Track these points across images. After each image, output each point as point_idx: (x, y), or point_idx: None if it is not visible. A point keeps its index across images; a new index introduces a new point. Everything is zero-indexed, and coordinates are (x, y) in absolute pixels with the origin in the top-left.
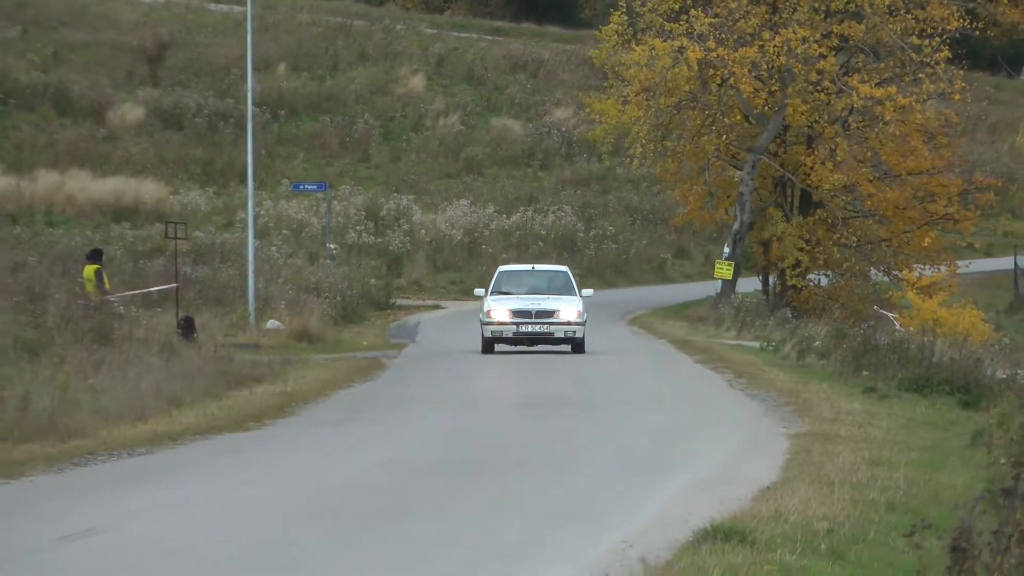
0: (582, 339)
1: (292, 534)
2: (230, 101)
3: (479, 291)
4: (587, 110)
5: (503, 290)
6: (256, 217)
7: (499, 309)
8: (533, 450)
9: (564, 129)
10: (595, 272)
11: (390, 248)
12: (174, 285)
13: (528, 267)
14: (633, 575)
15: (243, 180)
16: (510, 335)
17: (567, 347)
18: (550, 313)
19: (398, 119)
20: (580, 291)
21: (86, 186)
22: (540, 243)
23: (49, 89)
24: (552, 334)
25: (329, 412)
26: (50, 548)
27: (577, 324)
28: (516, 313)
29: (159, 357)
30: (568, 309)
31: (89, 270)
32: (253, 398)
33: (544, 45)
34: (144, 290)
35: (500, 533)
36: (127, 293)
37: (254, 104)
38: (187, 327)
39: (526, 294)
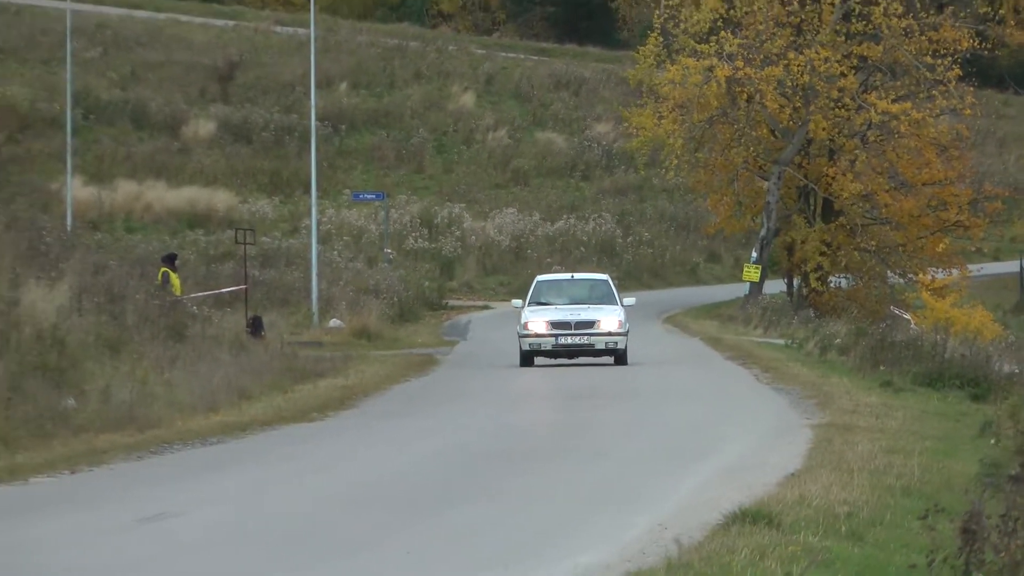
0: (624, 350)
1: (352, 518)
2: (294, 116)
3: (517, 302)
4: (625, 124)
5: (542, 300)
6: (319, 224)
7: (537, 321)
8: (572, 439)
9: (604, 142)
10: (632, 275)
11: (443, 252)
12: (243, 287)
13: (567, 276)
14: (668, 555)
15: (307, 190)
16: (549, 347)
17: (609, 359)
18: (590, 324)
19: (450, 133)
20: (621, 300)
21: (162, 195)
22: (582, 248)
23: (128, 105)
24: (593, 346)
25: (387, 405)
26: (128, 529)
27: (619, 335)
28: (555, 324)
29: (229, 353)
30: (609, 319)
31: (173, 276)
32: (316, 391)
33: (585, 65)
34: (216, 291)
35: (542, 516)
36: (200, 294)
37: (317, 119)
38: (255, 326)
39: (566, 304)
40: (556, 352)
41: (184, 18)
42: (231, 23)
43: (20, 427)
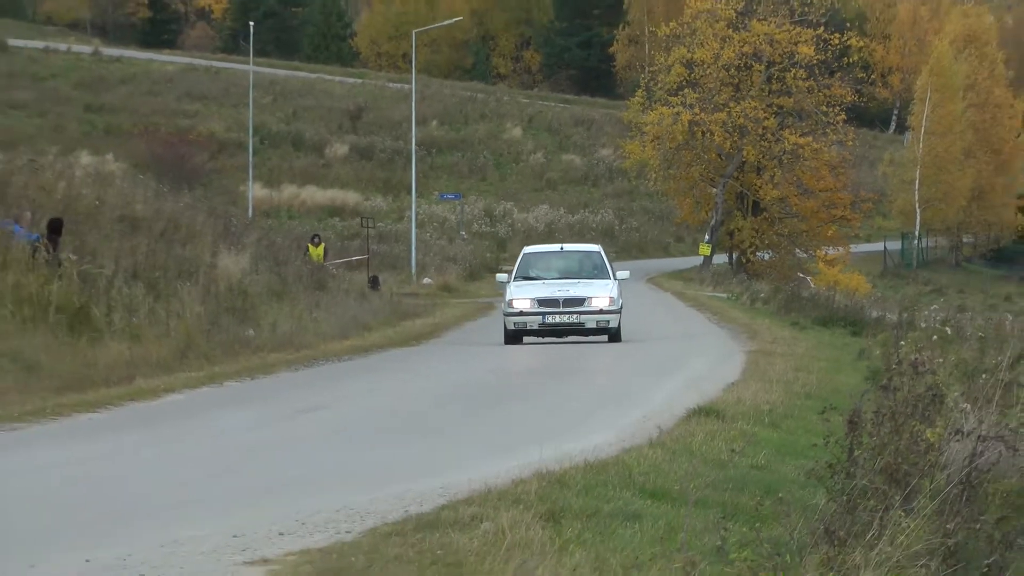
0: (617, 328)
1: (437, 411)
2: (400, 142)
3: (502, 276)
4: (621, 150)
5: (529, 274)
6: (416, 214)
7: (522, 297)
8: (583, 362)
9: (606, 162)
10: (625, 250)
11: (498, 234)
12: (366, 256)
13: (556, 247)
14: (650, 436)
15: (409, 192)
16: (535, 327)
17: (603, 337)
18: (580, 301)
19: (504, 155)
20: (614, 272)
21: (312, 195)
22: (592, 232)
23: (289, 134)
24: (583, 324)
25: (461, 336)
26: (291, 418)
27: (611, 312)
28: (541, 302)
29: (356, 300)
30: (600, 296)
31: (316, 249)
32: (414, 326)
33: (595, 110)
34: (347, 259)
35: (565, 412)
36: (337, 261)
37: (416, 145)
38: (374, 282)
39: (555, 279)
40: (543, 331)
41: (328, 76)
42: (359, 80)
43: (217, 348)
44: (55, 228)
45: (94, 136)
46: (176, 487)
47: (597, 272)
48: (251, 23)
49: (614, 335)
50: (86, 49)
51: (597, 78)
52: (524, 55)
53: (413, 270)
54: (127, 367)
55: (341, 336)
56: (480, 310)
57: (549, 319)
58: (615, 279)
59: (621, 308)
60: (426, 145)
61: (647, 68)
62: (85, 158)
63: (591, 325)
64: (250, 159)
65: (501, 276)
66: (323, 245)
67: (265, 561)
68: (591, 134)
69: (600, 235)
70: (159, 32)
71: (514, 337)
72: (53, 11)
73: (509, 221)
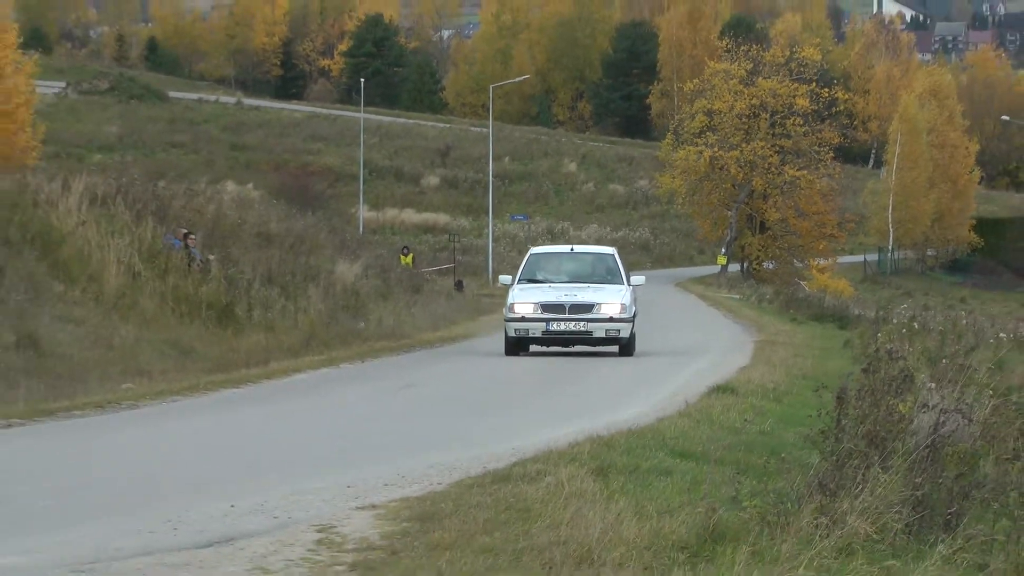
0: (629, 338)
1: (508, 388)
2: (480, 175)
3: (505, 278)
4: (655, 181)
5: (536, 277)
6: (492, 232)
7: (525, 302)
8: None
9: (644, 190)
10: (659, 260)
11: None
12: (452, 265)
13: (566, 248)
14: (679, 409)
15: (487, 213)
16: (538, 334)
17: (613, 348)
18: (588, 307)
19: (563, 184)
20: (629, 277)
21: (410, 216)
22: (631, 245)
23: (392, 168)
24: (591, 333)
25: None
26: (393, 393)
27: (621, 321)
28: (546, 307)
29: (445, 300)
30: (610, 303)
31: (406, 258)
32: (491, 320)
33: (634, 149)
34: (438, 267)
35: (611, 388)
36: (429, 269)
37: (492, 176)
38: (459, 285)
39: (563, 283)
40: (546, 339)
41: (422, 122)
42: (447, 125)
43: (334, 338)
44: (187, 238)
45: (237, 169)
46: (302, 448)
47: (610, 277)
48: (362, 79)
49: (626, 346)
50: (231, 100)
51: (636, 124)
52: (578, 105)
53: (490, 276)
54: (263, 352)
55: (432, 328)
56: None
57: (553, 326)
58: (629, 285)
59: (635, 316)
60: (500, 176)
61: (676, 116)
62: (230, 187)
63: (599, 334)
64: (360, 188)
65: (504, 278)
66: (412, 255)
67: (373, 507)
68: (631, 168)
69: (638, 248)
70: (289, 87)
71: (516, 345)
72: (205, 69)
73: (566, 237)
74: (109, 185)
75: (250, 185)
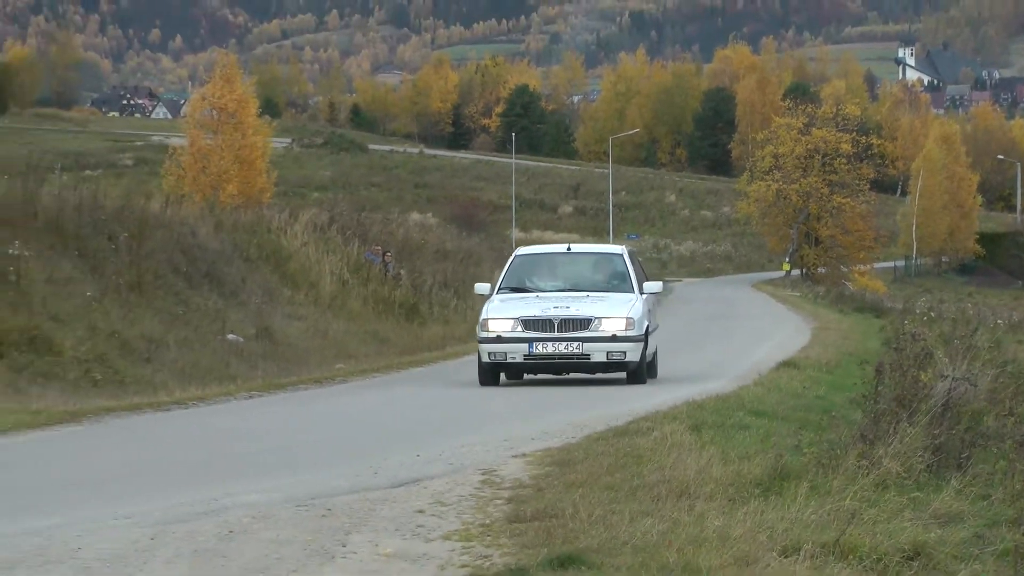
0: (639, 363)
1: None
2: (603, 204)
3: (482, 286)
4: (735, 207)
5: (522, 285)
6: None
7: (501, 317)
8: (713, 335)
9: (727, 214)
10: (739, 267)
11: (662, 259)
12: None
13: (561, 248)
14: (754, 379)
15: (608, 233)
16: (518, 358)
17: (620, 373)
18: (583, 323)
19: (665, 211)
20: (641, 284)
21: (551, 237)
22: (717, 256)
23: (536, 200)
24: (588, 357)
25: None
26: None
27: (628, 340)
28: (528, 323)
29: None
30: (614, 317)
31: None
32: None
33: (719, 183)
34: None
35: (703, 362)
36: None
37: (612, 205)
38: None
39: (556, 292)
40: (530, 366)
41: (559, 165)
42: (578, 167)
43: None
44: (384, 255)
45: (420, 202)
46: (470, 410)
47: (617, 283)
48: (513, 133)
49: (635, 372)
50: (415, 150)
51: (720, 164)
52: (676, 151)
53: None
54: (441, 340)
55: None
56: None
57: (538, 348)
58: (641, 293)
59: (648, 334)
60: (618, 206)
61: (750, 158)
62: (415, 216)
63: (598, 357)
64: (512, 215)
65: (481, 287)
66: None
67: (524, 455)
68: (717, 198)
69: (723, 258)
70: (458, 140)
71: (491, 373)
72: (395, 128)
73: (668, 251)
74: (324, 216)
75: (430, 214)
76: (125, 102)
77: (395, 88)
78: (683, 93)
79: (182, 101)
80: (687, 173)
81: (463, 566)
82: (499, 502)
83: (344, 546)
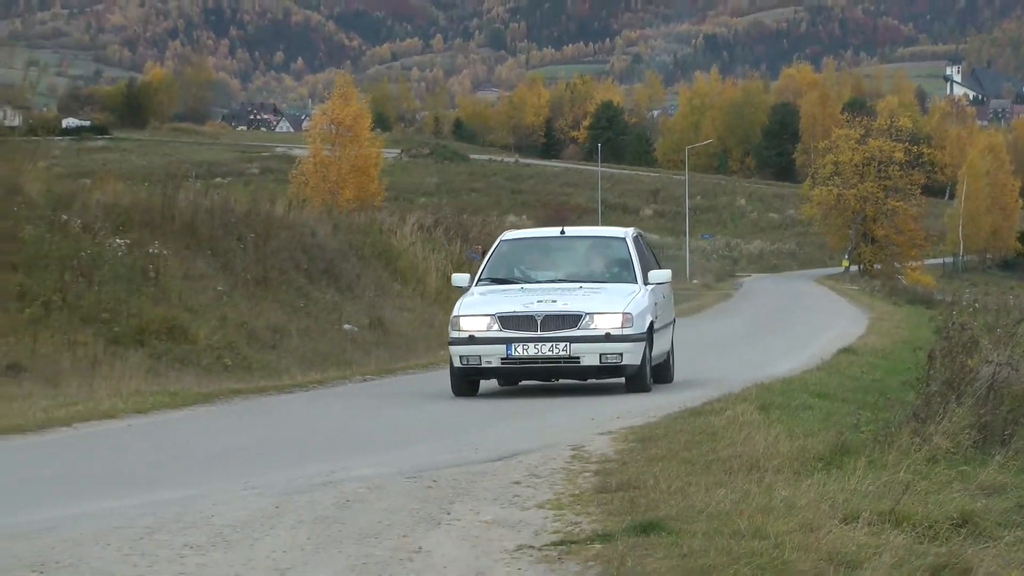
0: (639, 367)
1: (691, 353)
2: (680, 207)
3: (460, 277)
4: (799, 210)
5: (507, 276)
6: (688, 246)
7: (475, 314)
8: (776, 327)
9: (792, 216)
10: (803, 264)
11: (732, 256)
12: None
13: (554, 231)
14: (816, 364)
15: (684, 234)
16: (495, 363)
17: (619, 378)
18: (572, 319)
19: (735, 213)
20: (646, 274)
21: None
22: (783, 254)
23: (620, 204)
24: (578, 360)
25: (714, 312)
26: None
27: (625, 340)
28: (506, 321)
29: None
30: (609, 312)
31: None
32: (691, 306)
33: (785, 188)
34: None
35: (770, 351)
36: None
37: (688, 208)
38: None
39: (548, 282)
40: (509, 371)
41: (640, 172)
42: (657, 174)
43: None
44: (483, 253)
45: (515, 206)
46: (558, 392)
47: (618, 272)
48: (599, 144)
49: (635, 378)
50: (511, 159)
51: (786, 171)
52: (746, 160)
53: (687, 275)
54: None
55: None
56: (722, 297)
57: (518, 350)
58: (646, 284)
59: (653, 331)
60: (693, 209)
61: (812, 166)
62: (511, 218)
63: (590, 360)
64: (599, 218)
65: (460, 278)
66: None
67: (609, 432)
68: (783, 202)
69: (787, 255)
70: (550, 150)
71: (465, 380)
72: (493, 139)
73: (739, 250)
74: (430, 218)
75: (524, 216)
76: (252, 117)
77: (493, 104)
78: (752, 107)
79: (303, 116)
80: (755, 179)
81: (555, 532)
82: (587, 475)
83: (448, 514)
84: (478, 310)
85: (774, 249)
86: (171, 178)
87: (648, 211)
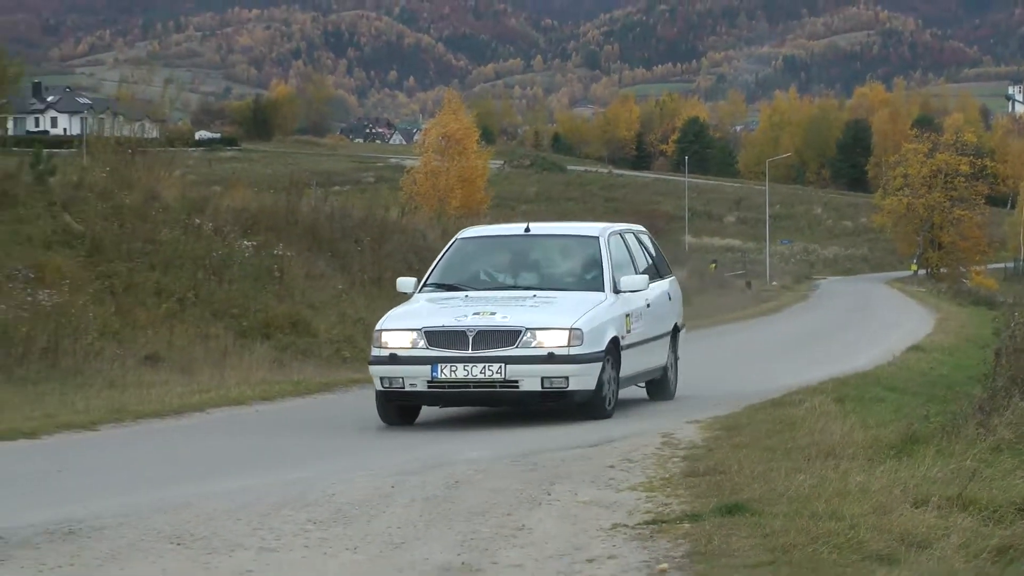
0: (592, 393)
1: (770, 349)
2: (760, 215)
3: (404, 282)
4: (872, 218)
5: (454, 281)
6: (769, 251)
7: (398, 328)
8: (850, 326)
9: (865, 224)
10: (874, 268)
11: (809, 260)
12: (743, 271)
13: (518, 228)
14: (888, 361)
15: (765, 239)
16: (420, 387)
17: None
18: (511, 336)
19: (812, 221)
20: (617, 281)
21: (717, 241)
22: (856, 258)
23: (705, 211)
24: (516, 384)
25: (792, 312)
26: (715, 344)
27: (572, 362)
28: (434, 337)
29: (739, 293)
30: (553, 328)
31: (711, 267)
32: (769, 305)
33: (858, 198)
34: (736, 272)
35: (845, 348)
36: (729, 274)
37: (768, 216)
38: (748, 284)
39: (504, 288)
40: (436, 397)
41: (724, 183)
42: (740, 184)
43: None
44: None
45: (609, 213)
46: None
47: (584, 278)
48: (686, 157)
49: (589, 406)
50: (604, 170)
51: (859, 183)
52: (822, 171)
53: (768, 278)
54: None
55: (732, 310)
56: (800, 298)
57: (444, 372)
58: (616, 292)
59: (617, 349)
60: (773, 216)
61: (884, 177)
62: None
63: (530, 386)
64: (686, 224)
65: (404, 282)
66: (714, 264)
67: (696, 421)
68: (856, 210)
69: (860, 260)
70: (641, 162)
71: (390, 406)
72: (588, 152)
73: (815, 254)
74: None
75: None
76: (368, 131)
77: (589, 119)
78: (827, 123)
79: (414, 130)
80: (831, 189)
81: (647, 512)
82: (676, 460)
83: (549, 494)
84: (403, 323)
85: (848, 254)
86: (294, 186)
87: (731, 218)
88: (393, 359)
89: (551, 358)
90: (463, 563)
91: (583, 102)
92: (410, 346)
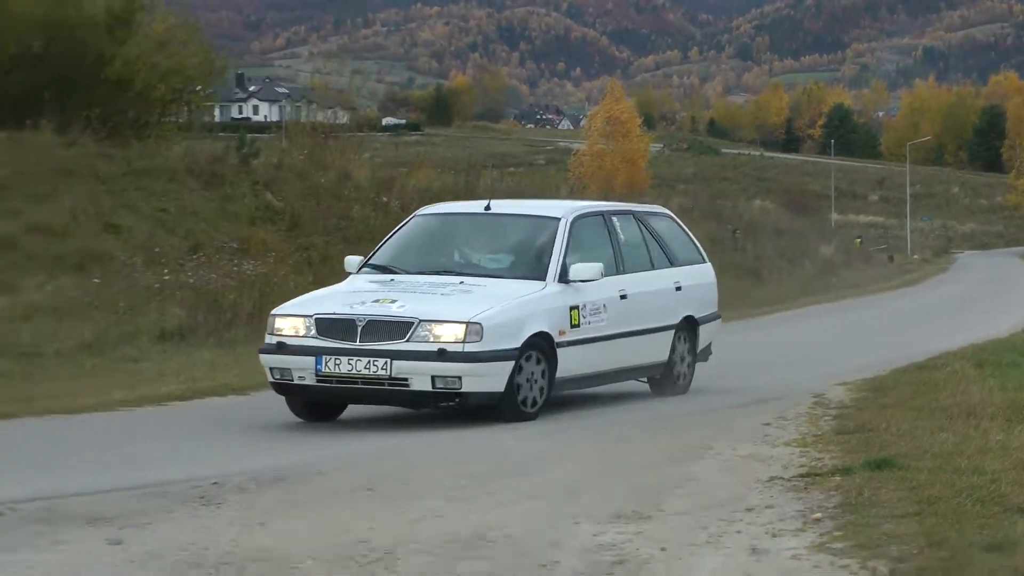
0: (502, 396)
1: (920, 316)
2: (902, 194)
3: (352, 262)
4: (1006, 197)
5: (389, 263)
6: (910, 227)
7: (292, 314)
8: (987, 296)
9: (999, 202)
10: (1009, 243)
11: (948, 235)
12: (886, 245)
13: (477, 205)
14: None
15: (906, 216)
16: (308, 380)
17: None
18: (401, 328)
19: (950, 199)
20: (567, 269)
21: (860, 218)
22: (991, 234)
23: (850, 191)
24: (406, 383)
25: (933, 283)
26: (883, 310)
27: (467, 360)
28: (323, 325)
29: (881, 266)
30: (449, 321)
31: (856, 242)
32: (911, 277)
33: (993, 179)
34: (879, 247)
35: (978, 319)
36: (872, 248)
37: (909, 195)
38: (891, 258)
39: (430, 273)
40: (324, 392)
41: (868, 165)
42: (883, 165)
43: (819, 288)
44: (734, 232)
45: (760, 192)
46: (797, 349)
47: (527, 265)
48: (832, 140)
49: (500, 409)
50: (756, 153)
51: (994, 164)
52: (959, 153)
53: (909, 252)
54: (776, 297)
55: (876, 282)
56: (940, 271)
57: (329, 365)
58: (561, 281)
59: (552, 346)
60: (913, 195)
61: (1018, 159)
62: (757, 202)
63: (420, 385)
64: (832, 202)
65: (352, 260)
66: (859, 240)
67: (845, 383)
68: (991, 189)
69: (995, 235)
70: (790, 144)
71: (291, 400)
72: (741, 135)
73: (953, 230)
74: (688, 202)
75: (768, 201)
76: (538, 117)
77: (742, 106)
78: (964, 110)
79: (581, 116)
80: (968, 171)
81: (801, 466)
82: (827, 418)
83: (710, 448)
84: (297, 309)
85: (984, 230)
86: (472, 167)
87: (874, 197)
88: (280, 348)
89: (442, 355)
90: (633, 511)
91: (736, 90)
92: (301, 334)
